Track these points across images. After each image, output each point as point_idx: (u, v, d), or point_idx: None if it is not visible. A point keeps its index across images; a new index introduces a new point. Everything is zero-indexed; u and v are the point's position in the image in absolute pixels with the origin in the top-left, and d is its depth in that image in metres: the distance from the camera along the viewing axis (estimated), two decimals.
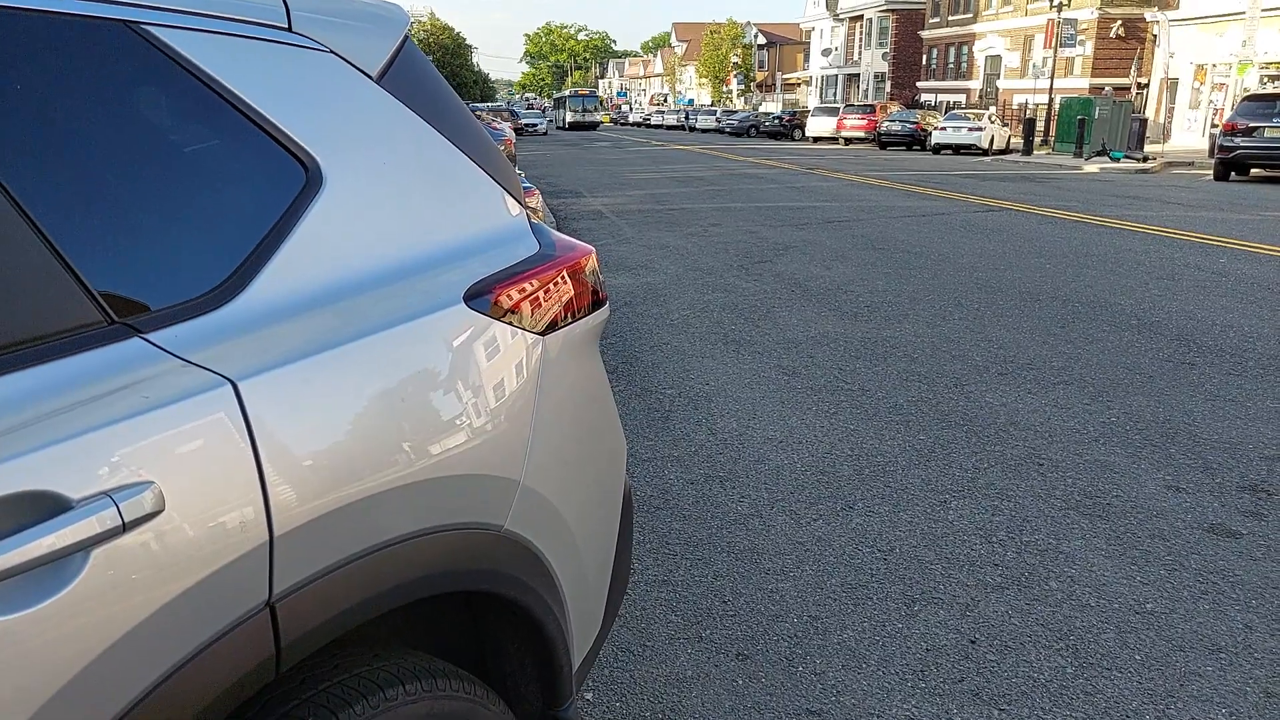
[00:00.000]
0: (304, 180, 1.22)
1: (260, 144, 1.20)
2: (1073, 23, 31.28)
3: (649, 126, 65.21)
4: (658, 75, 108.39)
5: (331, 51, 1.34)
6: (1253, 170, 17.97)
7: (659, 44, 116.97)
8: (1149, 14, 32.46)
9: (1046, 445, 3.96)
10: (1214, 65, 28.50)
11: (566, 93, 68.83)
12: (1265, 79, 26.09)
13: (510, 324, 1.40)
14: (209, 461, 0.97)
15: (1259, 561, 2.92)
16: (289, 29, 1.30)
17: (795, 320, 6.33)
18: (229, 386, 1.01)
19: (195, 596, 0.95)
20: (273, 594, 1.01)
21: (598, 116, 63.01)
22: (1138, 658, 2.43)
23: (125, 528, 0.89)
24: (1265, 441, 3.96)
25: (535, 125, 50.81)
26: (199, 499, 0.96)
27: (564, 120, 63.71)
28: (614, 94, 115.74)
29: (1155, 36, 31.40)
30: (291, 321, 1.13)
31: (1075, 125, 25.02)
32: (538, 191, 9.93)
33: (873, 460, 3.83)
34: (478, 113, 29.05)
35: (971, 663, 2.42)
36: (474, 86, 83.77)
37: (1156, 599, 2.72)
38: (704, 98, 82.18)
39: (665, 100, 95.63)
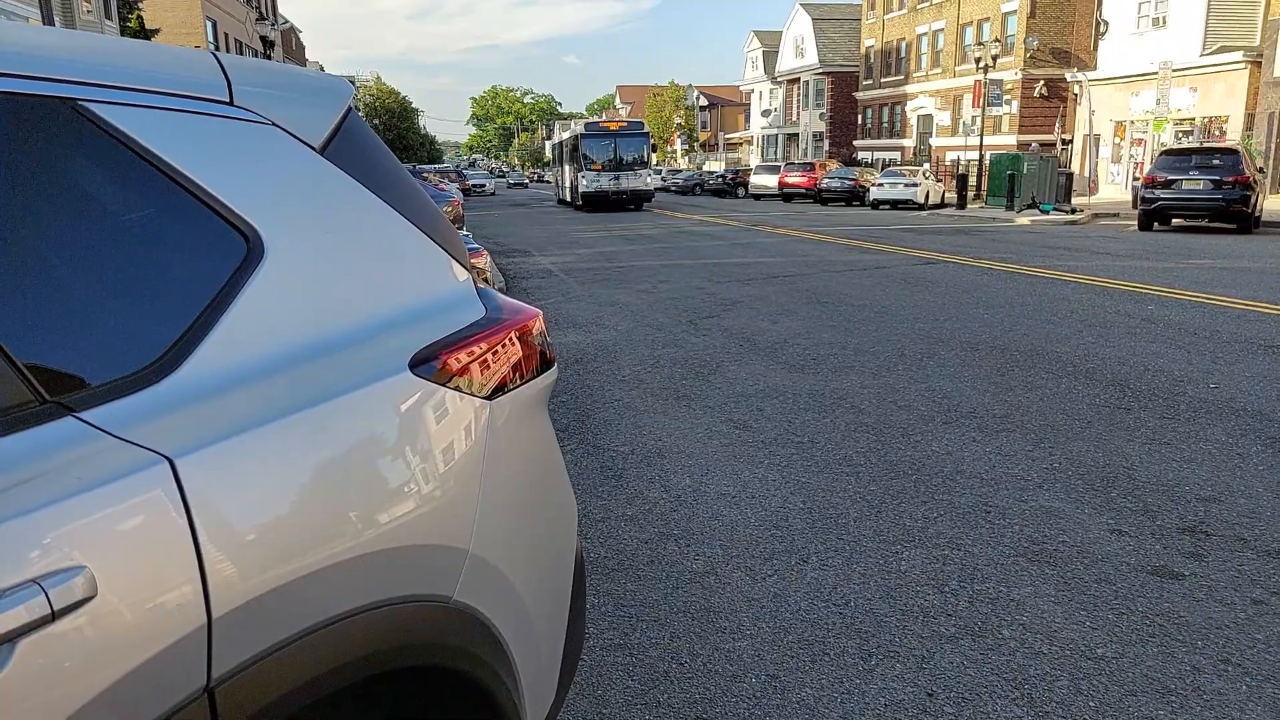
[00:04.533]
0: (245, 251, 1.22)
1: (200, 216, 1.20)
2: (998, 83, 32.90)
3: None
4: None
5: (274, 124, 1.35)
6: (1173, 220, 18.91)
7: (604, 106, 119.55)
8: (1069, 74, 34.32)
9: (993, 493, 4.03)
10: (1132, 122, 30.16)
11: (578, 128, 32.50)
12: (1180, 134, 27.67)
13: (457, 389, 1.40)
14: (144, 542, 0.94)
15: (1201, 603, 3.00)
16: (230, 102, 1.31)
17: (744, 374, 6.40)
18: (166, 464, 0.98)
19: (129, 684, 0.91)
20: (211, 678, 0.97)
21: (647, 179, 31.45)
22: (1092, 704, 2.45)
23: (55, 616, 0.86)
24: (1200, 483, 4.09)
25: (483, 186, 51.22)
26: (134, 582, 0.92)
27: (571, 186, 32.40)
28: None
29: (1076, 95, 33.14)
30: (232, 395, 1.11)
31: (1006, 180, 26.10)
32: (486, 252, 9.96)
33: (825, 513, 3.85)
34: (425, 174, 29.21)
35: (930, 716, 2.42)
36: (421, 149, 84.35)
37: (1106, 644, 2.76)
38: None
39: None
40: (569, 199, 33.64)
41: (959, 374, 6.25)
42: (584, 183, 30.36)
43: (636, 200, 30.98)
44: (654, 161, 36.89)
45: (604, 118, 37.05)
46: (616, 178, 30.31)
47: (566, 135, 35.60)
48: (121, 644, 0.90)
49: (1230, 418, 5.05)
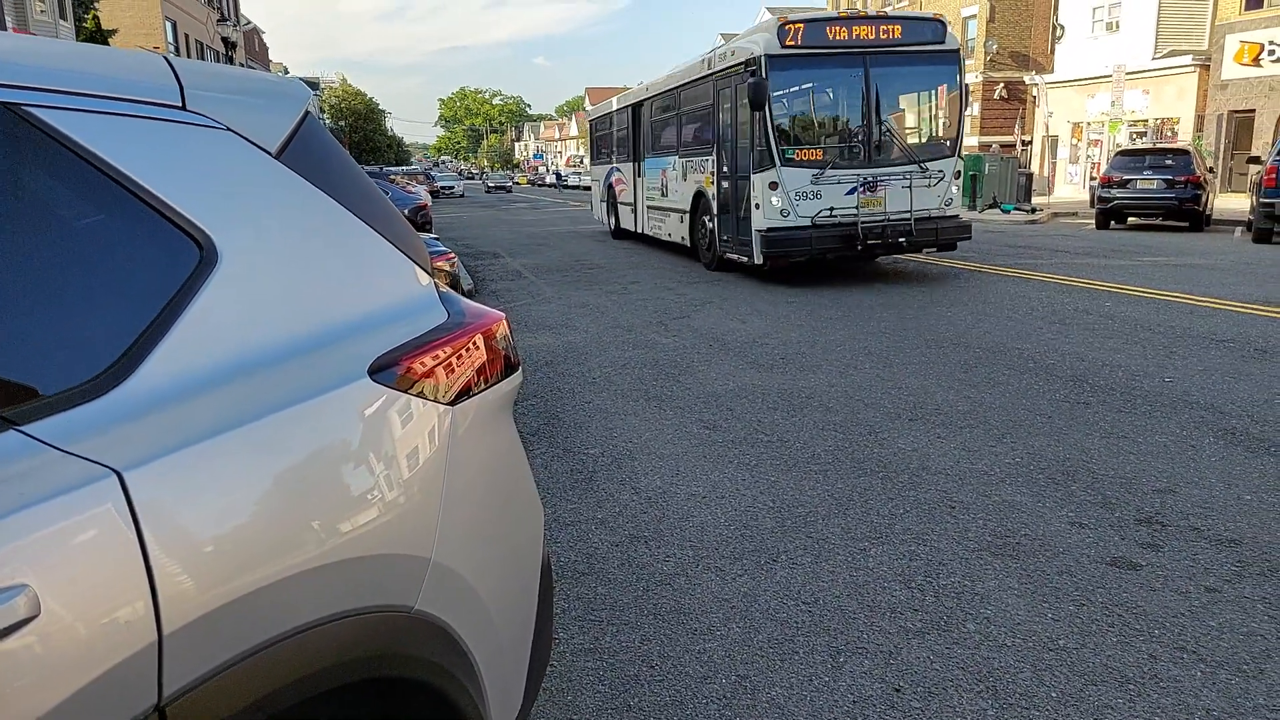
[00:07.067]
0: (198, 258, 1.20)
1: (151, 223, 1.18)
2: None
3: (567, 187, 64.89)
4: (573, 138, 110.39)
5: (228, 128, 1.33)
6: (1129, 218, 19.32)
7: (573, 107, 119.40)
8: (1028, 77, 34.91)
9: (957, 488, 4.09)
10: (1089, 123, 30.77)
11: (754, 43, 10.31)
12: (1134, 135, 28.29)
13: (418, 395, 1.38)
14: (91, 559, 0.92)
15: (1158, 592, 3.06)
16: (183, 107, 1.29)
17: (714, 374, 6.42)
18: (114, 477, 0.96)
19: (75, 705, 0.89)
20: (162, 697, 0.95)
21: (950, 187, 10.71)
22: (1054, 695, 2.49)
23: None
24: (1156, 475, 4.18)
25: (451, 188, 50.65)
26: (80, 600, 0.90)
27: (707, 210, 12.13)
28: (530, 156, 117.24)
29: (1034, 97, 33.73)
30: (184, 404, 1.09)
31: (968, 180, 26.47)
32: (454, 254, 9.89)
33: (794, 511, 3.87)
34: (391, 176, 28.91)
35: (897, 711, 2.44)
36: (388, 150, 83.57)
37: (1068, 635, 2.80)
38: None
39: (581, 162, 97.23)
40: (703, 243, 12.76)
41: (924, 371, 6.33)
42: (775, 202, 10.35)
43: (911, 248, 10.99)
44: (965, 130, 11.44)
45: (831, 12, 13.21)
46: (871, 185, 10.52)
47: (704, 70, 12.35)
48: (67, 664, 0.88)
49: (1184, 411, 5.16)
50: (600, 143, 20.02)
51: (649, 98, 15.49)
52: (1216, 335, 7.24)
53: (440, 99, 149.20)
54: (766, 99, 10.07)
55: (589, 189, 54.54)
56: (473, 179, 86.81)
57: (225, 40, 26.81)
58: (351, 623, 1.16)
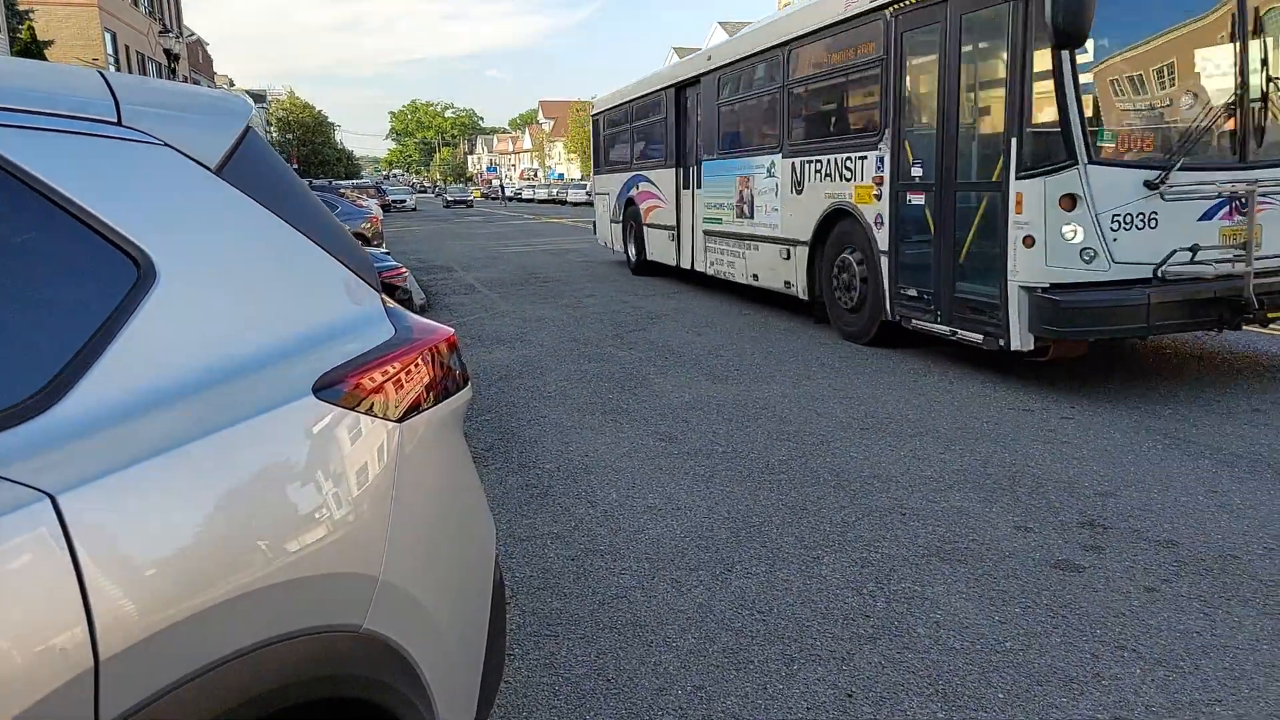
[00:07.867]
0: (135, 276, 1.18)
1: (85, 241, 1.16)
2: None
3: (521, 200, 64.60)
4: (527, 151, 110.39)
5: (166, 144, 1.31)
6: None
7: (527, 121, 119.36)
8: None
9: (908, 495, 4.16)
10: None
11: None
12: None
13: (364, 413, 1.37)
14: (23, 586, 0.90)
15: (1099, 592, 3.15)
16: (118, 123, 1.27)
17: (670, 386, 6.45)
18: (47, 501, 0.94)
19: None
20: None
21: None
22: (1000, 696, 2.55)
23: None
24: (1098, 479, 4.31)
25: (404, 201, 50.07)
26: (11, 627, 0.88)
27: None
28: (484, 169, 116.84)
29: None
30: (122, 425, 1.07)
31: None
32: (405, 269, 9.80)
33: (749, 521, 3.91)
34: (342, 190, 28.54)
35: (850, 716, 2.47)
36: (338, 164, 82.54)
37: (1014, 636, 2.87)
38: (574, 171, 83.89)
39: (535, 175, 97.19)
40: (843, 296, 7.83)
41: (875, 381, 6.43)
42: (1071, 233, 5.31)
43: None
44: None
45: None
46: (1244, 202, 5.43)
47: (863, 3, 7.02)
48: None
49: (1125, 415, 5.33)
50: (613, 143, 14.84)
51: (713, 70, 10.43)
52: (1156, 342, 7.49)
53: (391, 111, 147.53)
54: (1086, 29, 5.01)
55: (544, 202, 52.73)
56: (425, 192, 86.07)
57: (168, 52, 26.26)
58: (298, 644, 1.15)
